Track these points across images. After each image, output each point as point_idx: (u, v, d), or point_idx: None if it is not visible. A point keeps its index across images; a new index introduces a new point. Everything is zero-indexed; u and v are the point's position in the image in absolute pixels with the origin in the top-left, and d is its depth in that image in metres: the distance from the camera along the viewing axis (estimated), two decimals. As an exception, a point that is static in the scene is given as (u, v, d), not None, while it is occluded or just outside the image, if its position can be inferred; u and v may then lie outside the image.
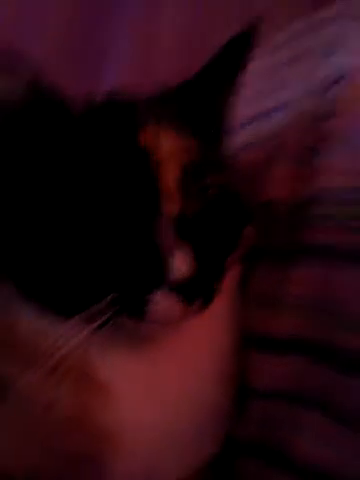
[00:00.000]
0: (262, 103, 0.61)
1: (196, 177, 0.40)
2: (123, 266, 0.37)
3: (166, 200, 0.38)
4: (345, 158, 0.46)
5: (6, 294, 0.41)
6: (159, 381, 0.42)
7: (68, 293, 0.38)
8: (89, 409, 0.40)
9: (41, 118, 0.41)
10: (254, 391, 0.46)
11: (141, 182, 0.38)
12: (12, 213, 0.40)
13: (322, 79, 0.54)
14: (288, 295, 0.45)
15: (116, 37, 0.98)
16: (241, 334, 0.47)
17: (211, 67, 0.47)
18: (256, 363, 0.46)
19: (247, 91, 0.66)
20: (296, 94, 0.56)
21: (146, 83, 0.47)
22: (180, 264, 0.36)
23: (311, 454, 0.41)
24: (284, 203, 0.49)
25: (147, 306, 0.36)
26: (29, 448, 0.40)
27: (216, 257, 0.40)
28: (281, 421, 0.44)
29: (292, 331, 0.44)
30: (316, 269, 0.44)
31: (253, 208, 0.46)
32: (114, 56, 0.97)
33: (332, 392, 0.41)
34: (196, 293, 0.37)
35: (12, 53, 0.40)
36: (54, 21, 0.96)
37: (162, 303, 0.36)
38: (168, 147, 0.40)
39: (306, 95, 0.54)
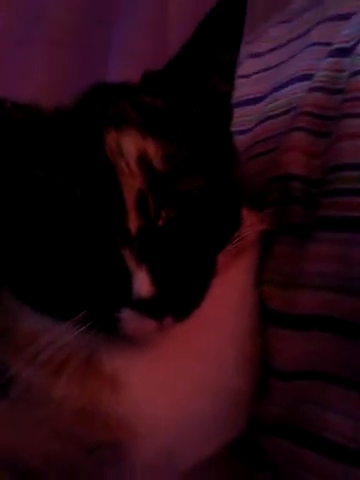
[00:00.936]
0: (277, 75, 0.60)
1: (164, 186, 0.38)
2: (92, 284, 0.37)
3: (129, 215, 0.37)
4: None
5: (7, 298, 0.42)
6: (172, 368, 0.42)
7: (51, 303, 0.39)
8: (99, 401, 0.41)
9: (6, 137, 0.40)
10: (277, 371, 0.45)
11: (105, 197, 0.37)
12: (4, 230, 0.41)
13: (342, 40, 0.52)
14: (307, 272, 0.44)
15: (121, 28, 0.96)
16: (261, 313, 0.47)
17: (188, 48, 0.43)
18: (278, 342, 0.45)
19: (259, 65, 0.65)
20: (313, 63, 0.55)
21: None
22: (141, 284, 0.35)
23: (341, 430, 0.40)
24: (300, 178, 0.48)
25: (118, 323, 0.37)
26: (46, 439, 0.41)
27: (193, 264, 0.38)
28: (307, 399, 0.43)
29: (313, 308, 0.43)
30: (333, 245, 0.43)
31: (261, 191, 0.44)
32: (119, 49, 0.96)
33: (358, 366, 0.40)
34: (164, 310, 0.36)
35: None
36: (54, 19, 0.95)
37: (130, 321, 0.36)
38: (131, 156, 0.38)
39: (325, 59, 0.53)
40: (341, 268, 0.42)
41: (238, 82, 0.65)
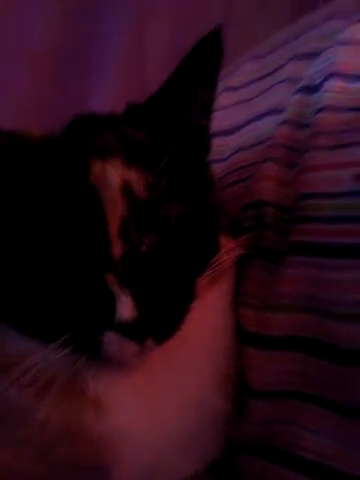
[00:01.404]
0: (251, 109, 0.63)
1: (146, 213, 0.39)
2: (77, 307, 0.38)
3: (112, 241, 0.38)
4: (331, 152, 0.47)
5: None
6: (154, 388, 0.43)
7: (36, 326, 0.40)
8: (82, 421, 0.41)
9: None
10: (253, 390, 0.47)
11: (90, 224, 0.38)
12: None
13: (310, 77, 0.55)
14: (280, 294, 0.46)
15: (102, 56, 0.99)
16: (237, 334, 0.48)
17: (169, 85, 0.45)
18: (254, 362, 0.47)
19: (234, 98, 0.68)
20: (283, 98, 0.58)
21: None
22: (123, 308, 0.37)
23: (317, 449, 0.41)
24: (272, 205, 0.51)
25: (101, 345, 0.38)
26: (31, 460, 0.41)
27: (174, 287, 0.40)
28: (282, 418, 0.45)
29: (286, 329, 0.45)
30: (305, 268, 0.45)
31: (236, 218, 0.47)
32: (100, 75, 0.98)
33: (331, 385, 0.42)
34: (145, 332, 0.38)
35: None
36: (41, 39, 0.97)
37: (113, 343, 0.38)
38: (115, 185, 0.39)
39: (294, 95, 0.56)
40: (312, 290, 0.44)
41: (215, 114, 0.69)
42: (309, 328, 0.44)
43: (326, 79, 0.53)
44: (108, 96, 0.94)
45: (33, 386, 0.39)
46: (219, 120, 0.67)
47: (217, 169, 0.61)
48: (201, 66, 0.44)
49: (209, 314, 0.45)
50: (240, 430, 0.47)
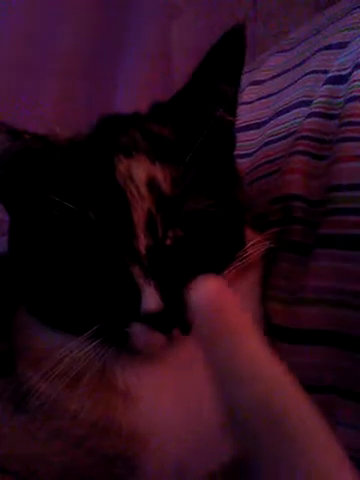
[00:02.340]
0: (277, 102, 0.62)
1: (171, 208, 0.40)
2: (104, 300, 0.39)
3: (138, 235, 0.39)
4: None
5: (24, 317, 0.45)
6: (183, 381, 0.43)
7: (65, 319, 0.41)
8: (111, 413, 0.42)
9: (26, 165, 0.42)
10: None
11: (116, 218, 0.39)
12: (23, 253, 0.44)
13: (338, 68, 0.55)
14: (308, 288, 0.46)
15: (127, 61, 1.00)
16: (266, 329, 0.48)
17: (193, 82, 0.45)
18: (283, 356, 0.47)
19: (259, 92, 0.68)
20: (311, 90, 0.57)
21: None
22: (149, 299, 0.37)
23: (351, 443, 0.39)
24: (301, 198, 0.50)
25: (129, 337, 0.38)
26: (61, 451, 0.42)
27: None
28: None
29: (315, 323, 0.45)
30: (333, 261, 0.45)
31: (264, 212, 0.46)
32: (126, 79, 0.99)
33: None
34: (171, 323, 0.38)
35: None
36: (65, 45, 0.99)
37: (140, 335, 0.38)
38: (140, 181, 0.40)
39: (322, 87, 0.55)
40: (341, 284, 0.44)
41: (241, 108, 0.69)
42: (338, 321, 0.43)
43: (355, 69, 0.52)
44: (134, 94, 0.95)
45: (64, 379, 0.40)
46: (245, 115, 0.67)
47: (244, 164, 0.61)
48: (224, 62, 0.44)
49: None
50: None
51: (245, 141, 0.64)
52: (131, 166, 0.41)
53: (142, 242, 0.39)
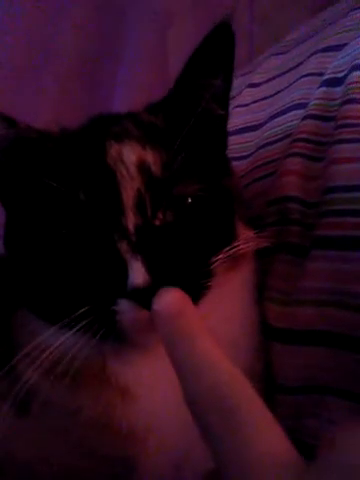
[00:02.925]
0: (274, 105, 0.63)
1: (160, 189, 0.40)
2: (92, 279, 0.39)
3: (126, 213, 0.39)
4: (358, 145, 0.47)
5: (24, 317, 0.45)
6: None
7: (60, 307, 0.40)
8: (113, 412, 0.42)
9: (21, 152, 0.43)
10: (281, 386, 0.47)
11: (105, 198, 0.40)
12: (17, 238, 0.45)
13: (334, 70, 0.55)
14: (305, 289, 0.46)
15: (125, 65, 1.01)
16: (264, 330, 0.48)
17: (185, 73, 0.46)
18: (280, 357, 0.47)
19: (256, 95, 0.68)
20: (307, 92, 0.58)
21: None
22: (136, 273, 0.37)
23: None
24: (297, 200, 0.51)
25: (116, 316, 0.38)
26: (62, 452, 0.42)
27: (188, 263, 0.40)
28: (310, 413, 0.44)
29: (312, 323, 0.45)
30: (331, 262, 0.45)
31: (261, 214, 0.47)
32: (124, 83, 1.00)
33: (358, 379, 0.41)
34: None
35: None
36: (64, 50, 1.00)
37: (126, 312, 0.37)
38: (130, 162, 0.41)
39: (318, 89, 0.55)
40: (338, 284, 0.44)
41: (237, 111, 0.70)
42: (336, 322, 0.43)
43: (351, 71, 0.52)
44: (132, 98, 0.96)
45: (64, 377, 0.40)
46: (242, 117, 0.68)
47: (241, 166, 0.61)
48: (212, 56, 0.45)
49: (228, 302, 0.45)
50: None
51: (242, 143, 0.65)
52: (122, 150, 0.42)
53: (131, 220, 0.39)
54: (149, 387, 0.43)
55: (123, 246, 0.38)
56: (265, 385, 0.48)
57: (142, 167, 0.41)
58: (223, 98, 0.48)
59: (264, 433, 0.27)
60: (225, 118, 0.49)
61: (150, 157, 0.41)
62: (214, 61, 0.45)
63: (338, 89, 0.53)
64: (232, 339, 0.46)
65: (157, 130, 0.44)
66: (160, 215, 0.40)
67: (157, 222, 0.40)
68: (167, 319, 0.32)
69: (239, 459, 0.26)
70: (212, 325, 0.43)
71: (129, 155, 0.41)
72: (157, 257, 0.38)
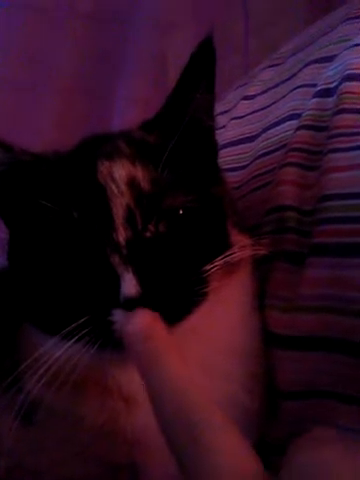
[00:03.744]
0: (268, 116, 0.64)
1: (150, 203, 0.42)
2: (87, 293, 0.40)
3: (117, 228, 0.41)
4: (350, 154, 0.48)
5: (29, 331, 0.46)
6: None
7: (60, 320, 0.41)
8: (117, 419, 0.43)
9: (18, 176, 0.45)
10: (283, 392, 0.48)
11: (97, 214, 0.41)
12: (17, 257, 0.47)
13: (326, 81, 0.56)
14: (303, 296, 0.47)
15: (125, 77, 1.02)
16: (265, 336, 0.49)
17: (175, 91, 0.49)
18: (281, 363, 0.48)
19: (251, 107, 0.69)
20: (301, 103, 0.59)
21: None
22: (127, 284, 0.38)
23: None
24: (293, 208, 0.52)
25: (112, 326, 0.39)
26: (68, 460, 0.43)
27: (182, 272, 0.41)
28: (312, 418, 0.45)
29: (311, 329, 0.46)
30: (327, 269, 0.46)
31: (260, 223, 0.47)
32: (124, 96, 1.01)
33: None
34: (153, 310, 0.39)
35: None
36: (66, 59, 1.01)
37: (122, 322, 0.39)
38: (120, 179, 0.42)
39: (311, 100, 0.57)
40: (335, 290, 0.45)
41: (233, 123, 0.71)
42: (335, 328, 0.44)
43: (342, 81, 0.54)
44: (133, 110, 0.97)
45: (67, 386, 0.41)
46: (238, 128, 0.69)
47: (237, 177, 0.62)
48: (194, 70, 0.48)
49: (224, 308, 0.46)
50: (273, 431, 0.48)
51: (239, 154, 0.66)
52: (112, 167, 0.43)
53: (121, 234, 0.40)
54: None
55: (115, 259, 0.40)
56: (268, 391, 0.49)
57: (132, 183, 0.42)
58: (208, 109, 0.50)
59: (226, 444, 0.29)
60: (212, 128, 0.51)
61: (139, 173, 0.43)
62: (196, 75, 0.48)
63: (330, 100, 0.54)
64: (232, 345, 0.47)
65: (148, 147, 0.46)
66: (151, 227, 0.41)
67: (148, 234, 0.41)
68: (135, 341, 0.35)
69: (202, 470, 0.28)
70: (211, 332, 0.44)
71: (119, 172, 0.43)
72: (148, 268, 0.39)
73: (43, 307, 0.43)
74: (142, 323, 0.36)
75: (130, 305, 0.38)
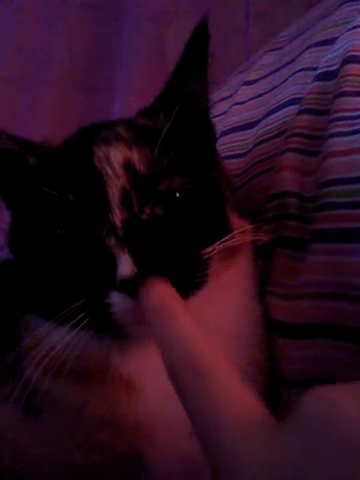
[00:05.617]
0: (269, 101, 0.63)
1: (145, 186, 0.42)
2: (85, 275, 0.40)
3: (113, 210, 0.40)
4: (352, 137, 0.47)
5: (32, 321, 0.46)
6: None
7: (59, 304, 0.41)
8: (118, 407, 0.43)
9: (18, 161, 0.46)
10: (286, 380, 0.47)
11: (93, 197, 0.41)
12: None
13: (327, 64, 0.55)
14: (305, 283, 0.46)
15: (123, 68, 1.01)
16: (268, 325, 0.49)
17: (172, 76, 0.49)
18: (283, 351, 0.47)
19: (252, 92, 0.68)
20: (301, 88, 0.58)
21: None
22: (123, 265, 0.38)
23: None
24: (295, 194, 0.51)
25: (109, 308, 0.39)
26: (69, 450, 0.43)
27: (180, 254, 0.41)
28: None
29: (313, 316, 0.45)
30: (329, 255, 0.45)
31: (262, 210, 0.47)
32: (122, 87, 1.00)
33: None
34: None
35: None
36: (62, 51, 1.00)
37: (118, 304, 0.38)
38: (116, 162, 0.42)
39: (312, 84, 0.56)
40: (337, 277, 0.44)
41: (235, 108, 0.70)
42: (336, 314, 0.44)
43: (343, 64, 0.53)
44: (131, 101, 0.97)
45: (67, 374, 0.41)
46: (238, 115, 0.68)
47: (239, 164, 0.62)
48: (189, 53, 0.48)
49: (226, 294, 0.46)
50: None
51: (240, 141, 0.65)
52: (109, 151, 0.43)
53: (117, 216, 0.40)
54: (153, 380, 0.43)
55: (111, 241, 0.40)
56: (271, 379, 0.48)
57: (127, 166, 0.42)
58: (202, 91, 0.50)
59: (233, 390, 0.29)
60: (207, 111, 0.51)
61: (135, 156, 0.43)
62: (191, 59, 0.48)
63: (331, 83, 0.53)
64: (234, 331, 0.47)
65: (146, 131, 0.46)
66: (148, 210, 0.41)
67: (144, 216, 0.41)
68: (154, 302, 0.35)
69: (210, 413, 0.28)
70: (212, 317, 0.44)
71: (115, 155, 0.43)
72: (144, 249, 0.39)
73: (42, 292, 0.43)
74: (157, 288, 0.36)
75: (126, 286, 0.38)
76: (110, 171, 0.42)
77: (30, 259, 0.44)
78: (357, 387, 0.27)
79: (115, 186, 0.41)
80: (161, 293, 0.35)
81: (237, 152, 0.64)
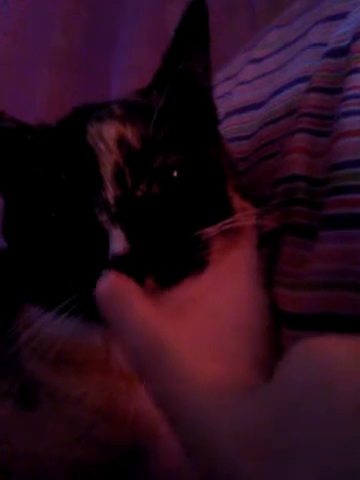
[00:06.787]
0: (276, 80, 0.60)
1: (140, 162, 0.40)
2: (77, 256, 0.39)
3: (106, 186, 0.39)
4: None
5: (32, 311, 0.44)
6: None
7: (54, 290, 0.40)
8: (118, 399, 0.42)
9: (7, 143, 0.45)
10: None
11: (85, 174, 0.40)
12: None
13: (337, 40, 0.53)
14: (315, 271, 0.44)
15: (121, 50, 0.98)
16: (274, 315, 0.47)
17: (168, 52, 0.47)
18: (290, 342, 0.45)
19: (258, 70, 0.66)
20: (310, 65, 0.55)
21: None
22: (115, 241, 0.37)
23: None
24: (304, 178, 0.48)
25: None
26: (69, 443, 0.42)
27: (177, 234, 0.39)
28: None
29: (323, 306, 0.43)
30: (340, 242, 0.43)
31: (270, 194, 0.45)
32: (120, 69, 0.98)
33: None
34: (142, 270, 0.37)
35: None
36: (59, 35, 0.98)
37: None
38: (109, 138, 0.41)
39: (321, 61, 0.53)
40: (348, 265, 0.42)
41: (239, 88, 0.67)
42: (346, 304, 0.42)
43: (353, 40, 0.50)
44: (129, 84, 0.94)
45: (67, 365, 0.41)
46: (244, 94, 0.65)
47: (244, 146, 0.59)
48: (186, 28, 0.46)
49: (228, 281, 0.44)
50: None
51: (246, 122, 0.62)
52: (102, 128, 0.42)
53: (110, 192, 0.39)
54: None
55: (103, 217, 0.38)
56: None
57: (121, 141, 0.41)
58: (202, 68, 0.48)
59: (194, 364, 0.29)
60: (208, 88, 0.49)
61: (129, 132, 0.42)
62: (185, 33, 0.46)
63: (342, 59, 0.51)
64: (238, 322, 0.45)
65: (140, 107, 0.45)
66: (143, 187, 0.40)
67: (139, 193, 0.40)
68: (109, 291, 0.33)
69: (171, 388, 0.28)
70: (215, 305, 0.42)
71: (108, 131, 0.42)
72: (138, 226, 0.38)
73: (39, 279, 0.42)
74: (111, 279, 0.34)
75: (119, 263, 0.36)
76: (103, 147, 0.41)
77: (26, 245, 0.43)
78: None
79: (108, 162, 0.40)
80: (114, 279, 0.34)
81: (243, 134, 0.62)
